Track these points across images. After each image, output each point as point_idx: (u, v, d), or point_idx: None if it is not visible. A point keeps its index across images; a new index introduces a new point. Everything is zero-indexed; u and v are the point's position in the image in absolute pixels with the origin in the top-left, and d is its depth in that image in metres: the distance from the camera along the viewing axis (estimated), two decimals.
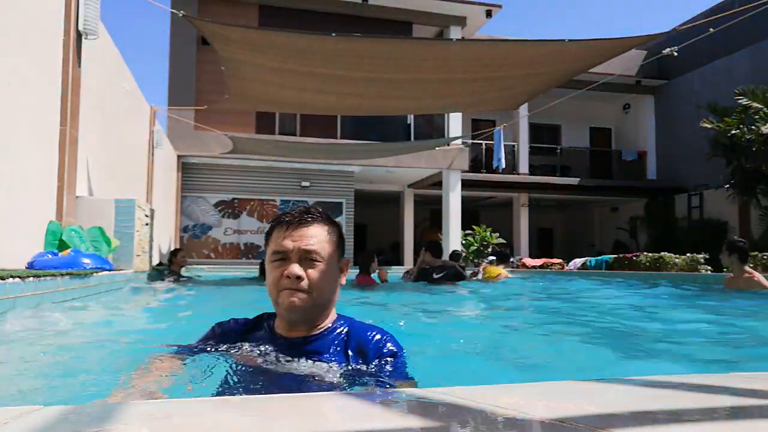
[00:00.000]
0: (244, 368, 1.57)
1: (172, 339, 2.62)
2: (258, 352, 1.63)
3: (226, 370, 1.55)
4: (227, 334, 1.74)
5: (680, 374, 1.77)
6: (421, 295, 6.29)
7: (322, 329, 1.65)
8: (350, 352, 1.61)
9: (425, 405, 0.93)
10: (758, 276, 5.28)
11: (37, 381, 1.79)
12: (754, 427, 0.80)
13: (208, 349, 1.71)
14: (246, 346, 1.67)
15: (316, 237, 1.62)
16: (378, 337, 1.66)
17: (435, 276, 6.93)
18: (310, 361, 1.57)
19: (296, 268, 1.57)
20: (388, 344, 1.64)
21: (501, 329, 3.34)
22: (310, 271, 1.58)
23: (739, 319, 3.82)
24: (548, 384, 1.20)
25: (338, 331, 1.66)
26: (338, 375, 1.52)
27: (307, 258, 1.59)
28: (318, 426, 0.80)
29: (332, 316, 1.70)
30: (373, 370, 1.57)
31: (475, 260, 14.86)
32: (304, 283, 1.57)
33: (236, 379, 1.51)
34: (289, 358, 1.58)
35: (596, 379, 1.18)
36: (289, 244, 1.59)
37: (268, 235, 1.68)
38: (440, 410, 0.90)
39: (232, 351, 1.68)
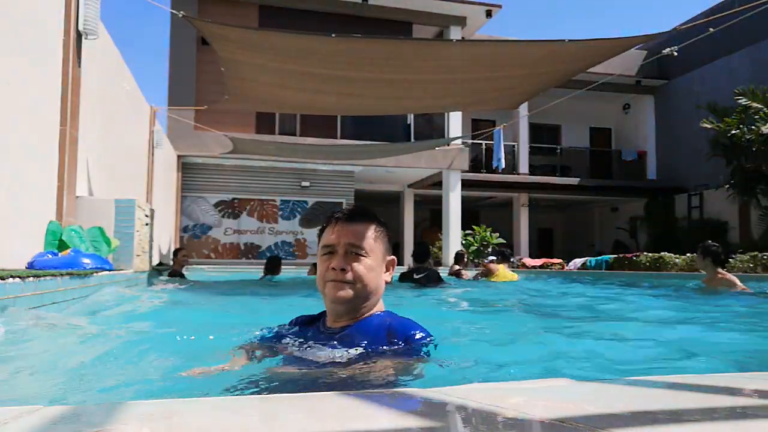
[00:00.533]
0: (282, 360, 1.68)
1: (170, 338, 2.62)
2: (297, 343, 1.74)
3: (268, 363, 1.65)
4: (296, 326, 1.87)
5: (680, 374, 1.77)
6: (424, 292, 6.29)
7: (361, 320, 1.72)
8: (378, 339, 1.67)
9: (425, 405, 0.93)
10: (729, 276, 5.64)
11: (37, 381, 1.79)
12: (754, 427, 0.80)
13: (271, 342, 1.85)
14: (289, 339, 1.80)
15: (363, 233, 1.71)
16: (409, 326, 1.71)
17: (415, 276, 7.12)
18: (339, 348, 1.63)
19: (341, 261, 1.66)
20: (417, 332, 1.69)
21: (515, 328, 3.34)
22: (354, 264, 1.67)
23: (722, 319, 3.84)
24: (548, 384, 1.20)
25: (374, 321, 1.72)
26: (361, 358, 1.59)
27: (352, 252, 1.68)
28: (318, 426, 0.80)
29: (376, 309, 1.77)
30: (392, 349, 1.63)
31: (475, 260, 14.85)
32: (349, 276, 1.66)
33: (267, 372, 1.58)
34: (321, 347, 1.66)
35: (596, 379, 1.18)
36: (336, 238, 1.69)
37: (321, 231, 1.78)
38: (440, 410, 0.90)
39: (278, 342, 1.81)
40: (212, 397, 1.40)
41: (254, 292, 6.88)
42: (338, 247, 1.68)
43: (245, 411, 0.88)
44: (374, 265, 1.70)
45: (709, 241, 5.90)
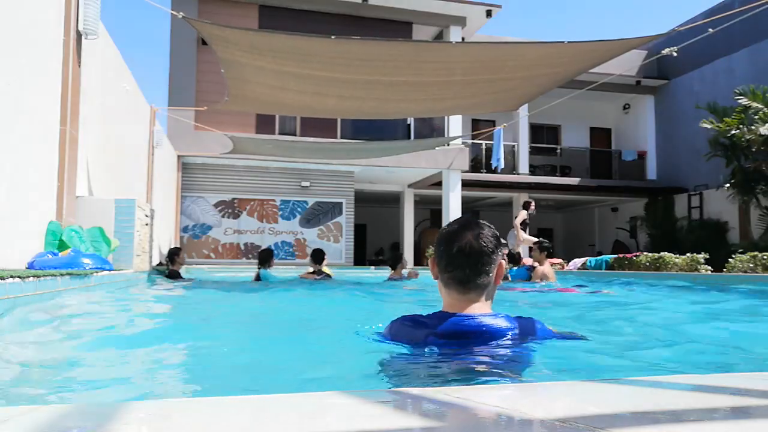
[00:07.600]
0: None
1: (171, 338, 2.61)
2: None
3: None
4: None
5: (680, 374, 1.77)
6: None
7: None
8: None
9: (425, 405, 0.93)
10: (548, 266, 7.63)
11: (37, 380, 1.79)
12: (754, 427, 0.80)
13: None
14: None
15: None
16: None
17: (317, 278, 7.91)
18: None
19: None
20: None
21: None
22: None
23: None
24: (548, 384, 1.20)
25: None
26: None
27: None
28: (317, 426, 0.80)
29: None
30: None
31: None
32: None
33: None
34: None
35: (596, 379, 1.18)
36: None
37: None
38: (440, 410, 0.89)
39: None
40: (210, 397, 1.39)
41: (250, 290, 6.88)
42: None
43: (244, 410, 0.88)
44: None
45: (541, 238, 8.25)
